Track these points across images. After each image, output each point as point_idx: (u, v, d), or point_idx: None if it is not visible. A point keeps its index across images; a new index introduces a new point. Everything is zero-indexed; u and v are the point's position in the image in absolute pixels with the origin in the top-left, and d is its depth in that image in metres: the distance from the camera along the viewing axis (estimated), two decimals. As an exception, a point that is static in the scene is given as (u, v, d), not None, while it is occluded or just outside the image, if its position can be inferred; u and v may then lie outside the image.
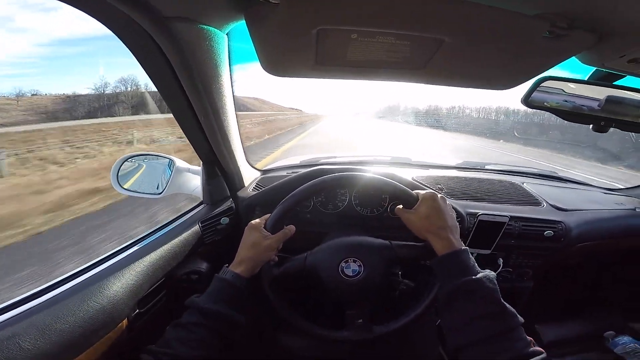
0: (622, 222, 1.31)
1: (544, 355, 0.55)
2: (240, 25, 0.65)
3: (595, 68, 0.74)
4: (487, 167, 1.62)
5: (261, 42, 0.62)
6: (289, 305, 0.82)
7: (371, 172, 0.87)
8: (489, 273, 0.66)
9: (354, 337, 0.80)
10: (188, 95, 0.74)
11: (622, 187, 1.63)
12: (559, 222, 1.17)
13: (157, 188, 1.09)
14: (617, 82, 0.76)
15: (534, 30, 0.55)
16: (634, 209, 1.36)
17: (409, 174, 1.28)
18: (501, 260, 1.17)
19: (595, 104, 0.77)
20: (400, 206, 0.82)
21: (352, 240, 0.87)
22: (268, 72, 0.73)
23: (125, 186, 1.05)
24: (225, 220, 1.05)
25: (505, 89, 0.79)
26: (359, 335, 0.80)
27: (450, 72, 0.74)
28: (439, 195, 0.79)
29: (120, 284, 0.68)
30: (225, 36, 0.70)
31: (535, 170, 1.62)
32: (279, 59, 0.70)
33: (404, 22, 0.55)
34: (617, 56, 0.62)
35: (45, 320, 0.54)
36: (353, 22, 0.55)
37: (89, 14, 0.52)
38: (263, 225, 0.80)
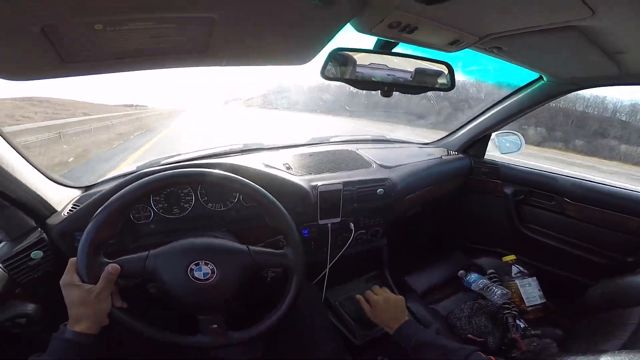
0: (434, 170, 1.59)
1: None
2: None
3: (378, 37, 0.86)
4: (331, 140, 1.76)
5: None
6: (127, 310, 0.74)
7: (209, 167, 0.83)
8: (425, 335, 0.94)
9: (210, 344, 0.77)
10: None
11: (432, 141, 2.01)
12: (386, 179, 1.34)
13: None
14: (394, 50, 0.89)
15: None
16: (441, 157, 1.69)
17: (260, 159, 1.28)
18: (352, 224, 1.28)
19: (381, 70, 0.90)
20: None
21: (203, 242, 0.81)
22: (4, 77, 0.59)
23: None
24: (37, 254, 0.87)
25: (301, 63, 0.83)
26: (215, 341, 0.77)
27: (238, 52, 0.74)
28: (381, 299, 1.11)
29: None
30: None
31: (368, 137, 1.85)
32: (10, 62, 0.58)
33: (157, 3, 0.50)
34: (379, 21, 0.70)
35: None
36: (85, 13, 0.48)
37: None
38: (78, 279, 0.68)
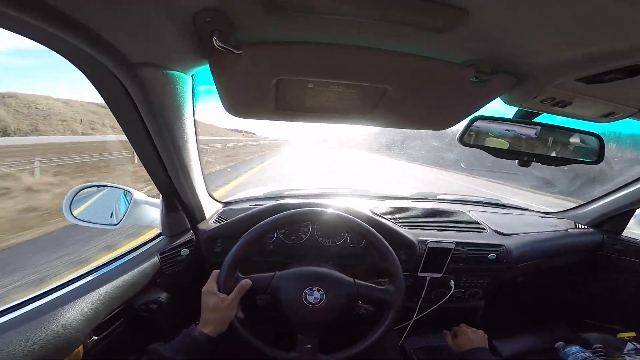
0: (556, 242, 1.45)
1: None
2: (205, 68, 0.69)
3: (518, 108, 0.87)
4: (438, 197, 1.75)
5: (224, 86, 0.67)
6: (242, 321, 0.87)
7: (331, 207, 0.95)
8: None
9: None
10: (151, 134, 0.76)
11: (557, 210, 1.82)
12: (501, 245, 1.28)
13: (111, 217, 1.08)
14: (535, 120, 0.88)
15: (463, 76, 0.64)
16: (567, 230, 1.52)
17: (367, 206, 1.37)
18: (452, 282, 1.25)
19: (519, 139, 0.88)
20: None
21: (320, 271, 0.93)
22: (231, 113, 0.78)
23: (77, 216, 1.02)
24: (185, 251, 1.06)
25: (442, 129, 0.89)
26: (304, 359, 0.86)
27: (394, 116, 0.84)
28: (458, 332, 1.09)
29: (76, 312, 0.70)
30: (190, 78, 0.74)
31: (480, 199, 1.77)
32: (241, 103, 0.75)
33: (352, 75, 0.63)
34: (532, 97, 0.72)
35: None
36: (309, 73, 0.62)
37: (59, 53, 0.54)
38: (216, 288, 0.83)
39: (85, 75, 0.60)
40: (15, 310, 0.66)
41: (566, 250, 1.48)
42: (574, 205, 1.72)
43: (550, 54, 0.58)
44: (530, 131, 0.89)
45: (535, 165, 0.90)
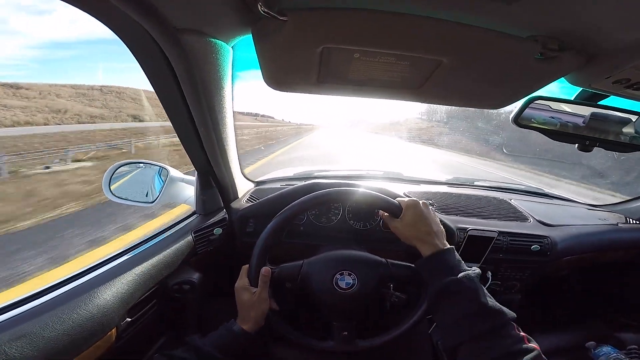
0: (605, 236, 1.35)
1: (536, 352, 0.57)
2: (245, 39, 0.66)
3: (582, 88, 0.78)
4: (476, 183, 1.67)
5: (266, 57, 0.64)
6: (277, 312, 0.85)
7: (362, 187, 0.89)
8: (469, 272, 0.68)
9: (337, 349, 0.83)
10: (189, 106, 0.75)
11: (605, 204, 1.69)
12: (545, 236, 1.21)
13: (147, 196, 1.08)
14: (601, 102, 0.80)
15: (526, 52, 0.58)
16: (616, 224, 1.42)
17: (400, 189, 1.32)
18: (490, 273, 1.19)
19: (580, 121, 0.80)
20: (386, 214, 0.85)
21: (349, 254, 0.89)
22: (270, 86, 0.74)
23: (116, 193, 1.03)
24: (218, 230, 1.05)
25: (497, 108, 0.82)
26: (343, 347, 0.83)
27: (445, 92, 0.77)
28: (421, 202, 0.82)
29: (111, 293, 0.68)
30: (231, 49, 0.71)
31: (522, 187, 1.67)
32: (283, 75, 0.72)
33: (406, 44, 0.57)
34: (604, 77, 0.64)
35: (33, 328, 0.54)
36: (357, 42, 0.57)
37: (100, 20, 0.53)
38: (247, 282, 0.82)
39: (125, 43, 0.59)
40: (52, 292, 0.64)
41: (616, 246, 1.37)
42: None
43: (632, 31, 0.51)
44: (590, 113, 0.81)
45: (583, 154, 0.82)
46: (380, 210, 0.87)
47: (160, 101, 0.74)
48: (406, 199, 0.85)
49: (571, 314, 1.62)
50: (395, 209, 0.83)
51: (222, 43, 0.66)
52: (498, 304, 0.65)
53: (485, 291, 0.67)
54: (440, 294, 0.68)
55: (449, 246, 0.75)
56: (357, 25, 0.53)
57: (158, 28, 0.53)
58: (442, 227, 0.80)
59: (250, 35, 0.59)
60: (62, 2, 0.47)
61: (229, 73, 0.76)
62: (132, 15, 0.49)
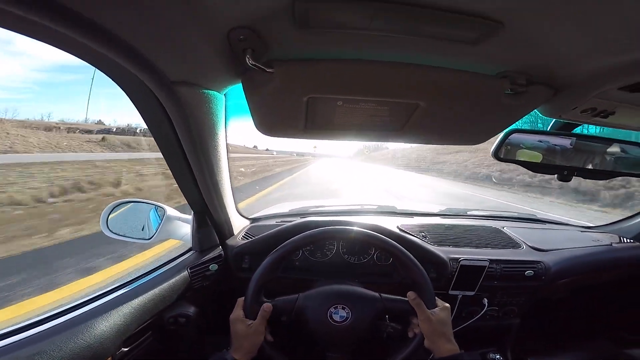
0: (599, 257, 1.36)
1: None
2: (238, 86, 0.71)
3: (555, 119, 0.83)
4: (469, 212, 1.69)
5: (256, 105, 0.68)
6: (271, 343, 0.85)
7: (357, 225, 0.93)
8: None
9: None
10: (185, 151, 0.78)
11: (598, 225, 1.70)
12: (539, 261, 1.22)
13: (143, 231, 1.11)
14: (575, 130, 0.84)
15: (497, 88, 0.62)
16: (610, 244, 1.42)
17: (394, 222, 1.34)
18: (486, 300, 1.20)
19: (558, 151, 0.84)
20: (413, 294, 0.86)
21: (344, 289, 0.91)
22: (261, 132, 0.79)
23: (113, 230, 1.05)
24: (214, 266, 1.06)
25: (475, 144, 0.86)
26: None
27: (425, 132, 0.82)
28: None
29: (108, 324, 0.71)
30: (224, 96, 0.76)
31: (514, 214, 1.69)
32: (272, 122, 0.76)
33: (383, 90, 0.63)
34: (571, 108, 0.69)
35: (30, 354, 0.57)
36: (339, 91, 0.62)
37: (100, 70, 0.57)
38: (243, 314, 0.83)
39: (125, 92, 0.64)
40: (51, 321, 0.67)
41: (612, 265, 1.38)
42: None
43: (591, 62, 0.55)
44: (568, 143, 0.85)
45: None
46: (413, 293, 0.87)
47: (158, 145, 0.78)
48: (440, 301, 0.88)
49: (573, 335, 1.59)
50: (431, 300, 0.85)
51: (215, 92, 0.71)
52: None
53: None
54: None
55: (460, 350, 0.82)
56: (338, 75, 0.58)
57: (154, 80, 0.57)
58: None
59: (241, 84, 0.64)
60: (65, 52, 0.51)
61: (222, 119, 0.80)
62: (130, 69, 0.53)
